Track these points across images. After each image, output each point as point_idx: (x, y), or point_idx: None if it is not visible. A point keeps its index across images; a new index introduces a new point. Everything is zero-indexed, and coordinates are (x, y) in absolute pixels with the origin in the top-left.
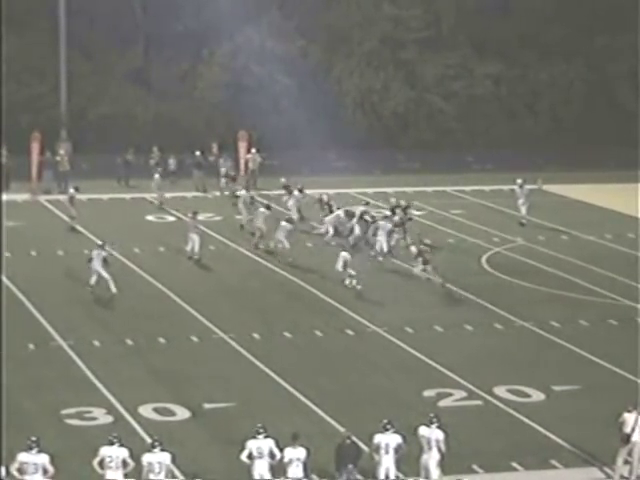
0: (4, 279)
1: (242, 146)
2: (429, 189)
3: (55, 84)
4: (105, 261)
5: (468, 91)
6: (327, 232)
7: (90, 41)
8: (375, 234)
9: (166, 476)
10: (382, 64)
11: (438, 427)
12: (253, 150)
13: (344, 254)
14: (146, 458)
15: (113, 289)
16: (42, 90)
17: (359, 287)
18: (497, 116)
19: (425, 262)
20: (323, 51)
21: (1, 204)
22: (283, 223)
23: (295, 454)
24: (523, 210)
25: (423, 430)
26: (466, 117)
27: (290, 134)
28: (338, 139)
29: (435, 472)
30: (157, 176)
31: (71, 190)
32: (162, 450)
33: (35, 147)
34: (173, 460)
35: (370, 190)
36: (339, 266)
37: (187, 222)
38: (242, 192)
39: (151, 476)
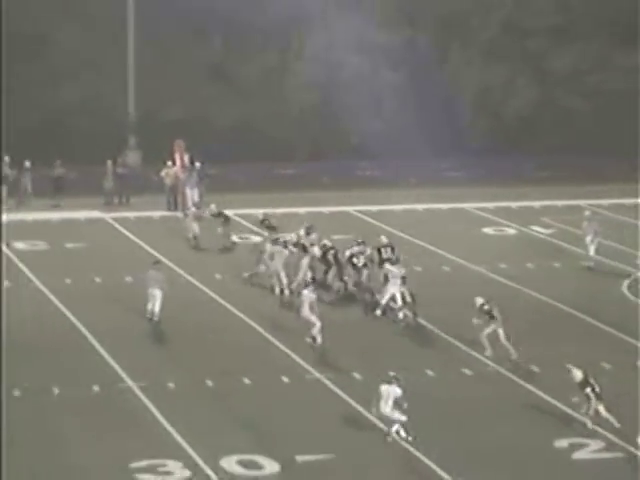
0: (73, 318)
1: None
2: (559, 203)
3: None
4: None
5: (606, 86)
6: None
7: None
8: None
9: None
10: (505, 55)
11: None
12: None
13: None
14: None
15: None
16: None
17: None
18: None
19: None
20: (435, 41)
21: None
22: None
23: None
24: None
25: None
26: (604, 117)
27: (395, 139)
28: (452, 144)
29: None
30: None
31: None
32: None
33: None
34: None
35: (490, 205)
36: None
37: None
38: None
39: None
